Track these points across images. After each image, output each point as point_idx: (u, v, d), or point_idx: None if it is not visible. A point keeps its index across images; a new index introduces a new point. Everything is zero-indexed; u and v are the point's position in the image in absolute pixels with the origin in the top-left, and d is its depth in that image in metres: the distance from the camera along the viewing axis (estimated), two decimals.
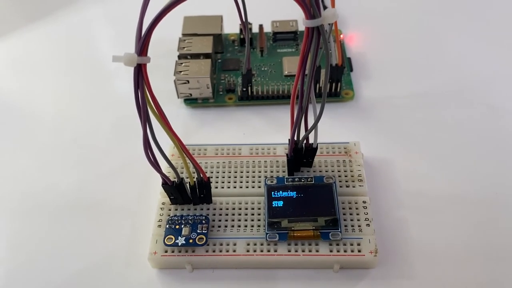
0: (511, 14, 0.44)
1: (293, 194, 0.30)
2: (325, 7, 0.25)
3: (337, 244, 0.28)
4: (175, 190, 0.29)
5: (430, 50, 0.42)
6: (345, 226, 0.29)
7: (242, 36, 0.41)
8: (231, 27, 0.42)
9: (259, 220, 0.30)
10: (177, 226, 0.29)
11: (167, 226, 0.29)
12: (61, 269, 0.30)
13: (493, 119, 0.36)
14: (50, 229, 0.32)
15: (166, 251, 0.28)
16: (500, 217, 0.31)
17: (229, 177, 0.32)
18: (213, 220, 0.30)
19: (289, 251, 0.28)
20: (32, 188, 0.34)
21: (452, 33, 0.43)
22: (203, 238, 0.28)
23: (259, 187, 0.31)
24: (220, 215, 0.30)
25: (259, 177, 0.32)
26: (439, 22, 0.44)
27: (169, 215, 0.30)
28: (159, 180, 0.28)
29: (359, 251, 0.28)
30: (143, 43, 0.22)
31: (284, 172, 0.32)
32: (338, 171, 0.32)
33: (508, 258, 0.29)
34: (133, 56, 0.22)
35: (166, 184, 0.28)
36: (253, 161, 0.32)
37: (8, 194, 0.34)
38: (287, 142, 0.30)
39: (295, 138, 0.29)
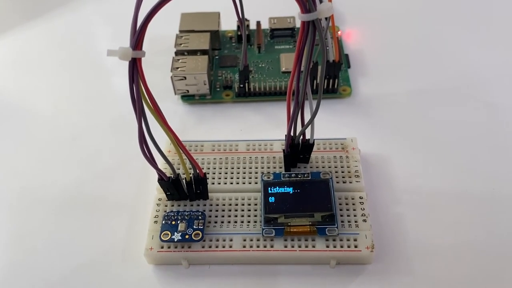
0: (510, 12, 0.44)
1: (289, 190, 0.30)
2: (321, 1, 0.25)
3: (334, 240, 0.28)
4: (171, 186, 0.29)
5: (428, 47, 0.42)
6: (342, 221, 0.29)
7: (239, 33, 0.41)
8: (229, 23, 0.42)
9: (255, 216, 0.30)
10: (173, 222, 0.29)
11: (163, 222, 0.29)
12: (58, 264, 0.30)
13: (490, 116, 0.36)
14: (47, 225, 0.32)
15: (162, 247, 0.28)
16: (496, 214, 0.31)
17: (226, 173, 0.32)
18: (210, 216, 0.30)
19: (285, 246, 0.28)
20: (30, 185, 0.34)
21: (450, 30, 0.43)
22: (199, 234, 0.28)
23: (256, 183, 0.31)
24: (217, 211, 0.30)
25: (256, 173, 0.32)
26: (437, 19, 0.44)
27: (165, 211, 0.30)
28: (155, 176, 0.28)
29: (355, 246, 0.28)
30: (137, 37, 0.22)
31: (281, 168, 0.32)
32: (335, 167, 0.32)
33: (504, 254, 0.29)
34: (127, 50, 0.22)
35: (162, 180, 0.28)
36: (250, 157, 0.32)
37: (7, 191, 0.34)
38: (284, 138, 0.30)
39: (292, 134, 0.29)
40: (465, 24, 0.43)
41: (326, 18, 0.31)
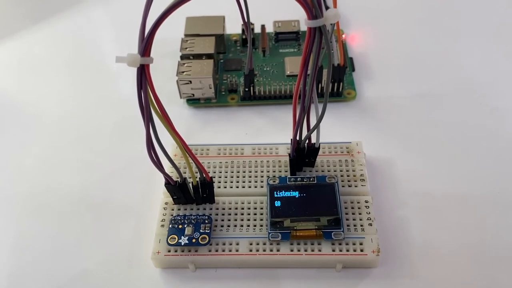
0: None
1: (295, 193, 0.30)
2: (327, 7, 0.25)
3: (340, 244, 0.28)
4: (178, 190, 0.29)
5: (433, 50, 0.42)
6: (348, 225, 0.29)
7: (244, 37, 0.42)
8: (234, 27, 0.42)
9: (261, 219, 0.30)
10: (180, 226, 0.29)
11: (170, 226, 0.29)
12: (64, 268, 0.30)
13: (495, 118, 0.36)
14: (54, 229, 0.32)
15: (169, 251, 0.29)
16: (502, 217, 0.31)
17: (232, 177, 0.32)
18: (216, 220, 0.30)
19: (291, 250, 0.28)
20: (36, 188, 0.34)
21: (454, 33, 0.43)
22: (206, 238, 0.28)
23: (262, 187, 0.31)
24: (223, 214, 0.30)
25: (262, 177, 0.32)
26: (441, 22, 0.44)
27: (172, 215, 0.30)
28: (162, 180, 0.29)
29: (361, 250, 0.28)
30: (146, 44, 0.22)
31: (286, 172, 0.32)
32: (341, 171, 0.32)
33: (510, 257, 0.29)
34: (136, 56, 0.22)
35: (169, 184, 0.29)
36: (256, 161, 0.32)
37: (13, 194, 0.34)
38: (290, 142, 0.30)
39: (298, 138, 0.29)
40: (469, 27, 0.43)
41: (331, 23, 0.31)
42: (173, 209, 0.30)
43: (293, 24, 0.42)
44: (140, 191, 0.33)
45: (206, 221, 0.29)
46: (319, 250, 0.28)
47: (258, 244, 0.29)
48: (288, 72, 0.39)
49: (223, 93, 0.39)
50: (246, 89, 0.37)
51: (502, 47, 0.41)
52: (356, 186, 0.31)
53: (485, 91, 0.38)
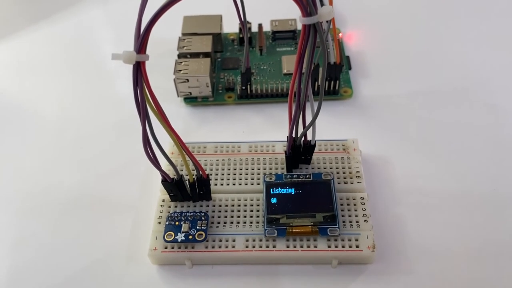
0: (511, 13, 0.45)
1: (291, 190, 0.30)
2: (322, 4, 0.25)
3: (335, 240, 0.28)
4: (175, 187, 0.29)
5: (430, 48, 0.42)
6: (343, 222, 0.29)
7: (241, 35, 0.42)
8: (231, 26, 0.42)
9: (258, 216, 0.30)
10: (176, 223, 0.29)
11: (167, 223, 0.29)
12: (62, 265, 0.30)
13: (491, 117, 0.36)
14: (52, 227, 0.32)
15: (166, 247, 0.29)
16: (497, 214, 0.31)
17: (228, 174, 0.32)
18: (213, 217, 0.30)
19: (287, 247, 0.28)
20: (34, 187, 0.34)
21: (451, 31, 0.43)
22: (202, 235, 0.29)
23: (258, 184, 0.31)
24: (220, 211, 0.30)
25: (258, 174, 0.32)
26: (439, 20, 0.44)
27: (169, 212, 0.30)
28: (159, 177, 0.29)
29: (357, 246, 0.28)
30: (141, 41, 0.22)
31: (282, 169, 0.32)
32: (337, 168, 0.32)
33: (504, 254, 0.29)
34: (132, 54, 0.22)
35: (166, 181, 0.29)
36: (252, 158, 0.33)
37: (12, 193, 0.34)
38: (286, 139, 0.30)
39: (294, 136, 0.29)
40: (467, 26, 0.43)
41: (327, 21, 0.31)
42: (170, 206, 0.31)
43: (290, 23, 0.42)
44: (137, 188, 0.33)
45: (203, 218, 0.29)
46: (315, 246, 0.28)
47: (254, 240, 0.29)
48: (285, 71, 0.39)
49: (220, 91, 0.39)
50: (243, 88, 0.38)
51: (500, 45, 0.42)
52: (352, 183, 0.31)
53: (482, 89, 0.38)
